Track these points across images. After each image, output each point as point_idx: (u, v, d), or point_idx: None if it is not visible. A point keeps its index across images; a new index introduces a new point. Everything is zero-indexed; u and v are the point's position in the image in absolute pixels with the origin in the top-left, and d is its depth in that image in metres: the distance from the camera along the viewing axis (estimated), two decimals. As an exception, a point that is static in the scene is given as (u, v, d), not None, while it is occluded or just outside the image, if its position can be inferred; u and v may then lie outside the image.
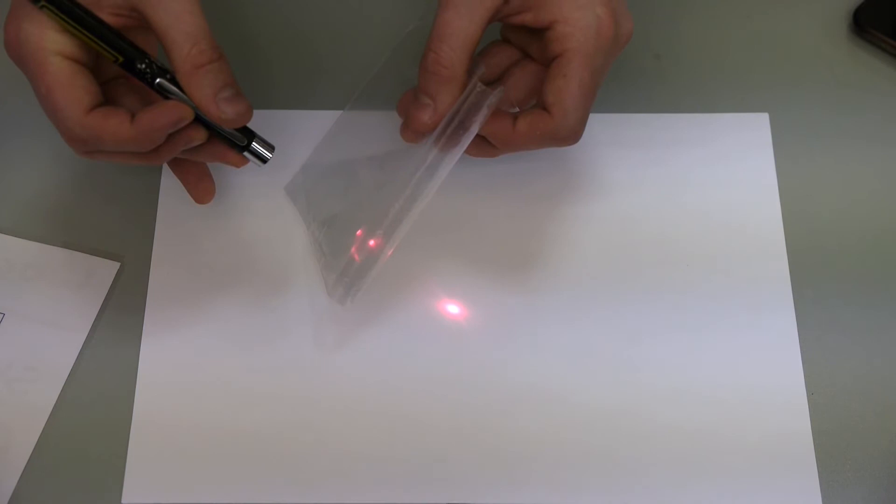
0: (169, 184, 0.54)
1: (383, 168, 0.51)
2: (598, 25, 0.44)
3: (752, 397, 0.49)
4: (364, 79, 0.54)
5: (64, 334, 0.51)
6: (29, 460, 0.48)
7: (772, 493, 0.47)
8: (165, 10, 0.42)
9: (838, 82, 0.57)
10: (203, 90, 0.43)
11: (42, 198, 0.54)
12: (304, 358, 0.50)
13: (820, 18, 0.59)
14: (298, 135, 0.54)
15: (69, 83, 0.42)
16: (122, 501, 0.47)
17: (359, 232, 0.47)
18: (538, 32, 0.46)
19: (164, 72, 0.43)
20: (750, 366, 0.50)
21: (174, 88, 0.43)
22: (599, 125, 0.55)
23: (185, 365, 0.50)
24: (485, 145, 0.47)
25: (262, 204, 0.54)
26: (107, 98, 0.44)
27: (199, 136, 0.44)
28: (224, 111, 0.43)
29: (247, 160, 0.47)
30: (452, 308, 0.52)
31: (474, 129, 0.45)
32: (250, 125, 0.45)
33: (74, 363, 0.50)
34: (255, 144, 0.46)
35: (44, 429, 0.49)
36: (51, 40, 0.42)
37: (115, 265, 0.53)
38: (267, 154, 0.46)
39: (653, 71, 0.58)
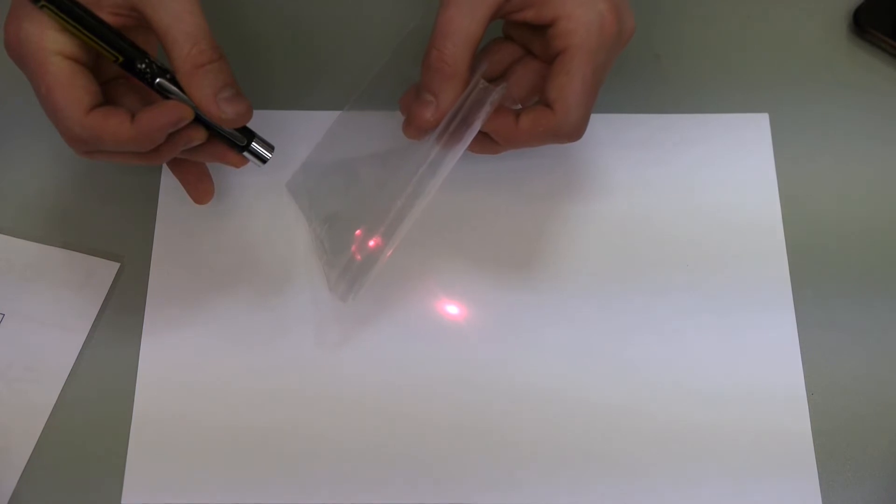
0: (169, 184, 0.54)
1: (385, 166, 0.51)
2: (601, 22, 0.44)
3: (752, 397, 0.49)
4: (364, 79, 0.54)
5: (64, 334, 0.51)
6: (29, 460, 0.48)
7: (772, 492, 0.47)
8: (165, 9, 0.42)
9: (838, 82, 0.57)
10: (203, 90, 0.43)
11: (42, 198, 0.54)
12: (304, 357, 0.50)
13: (820, 18, 0.59)
14: (298, 135, 0.54)
15: (69, 83, 0.42)
16: (122, 501, 0.47)
17: (358, 232, 0.47)
18: (540, 29, 0.46)
19: (164, 72, 0.43)
20: (750, 365, 0.50)
21: (174, 88, 0.43)
22: (600, 125, 0.55)
23: (185, 364, 0.50)
24: (487, 142, 0.47)
25: (262, 204, 0.54)
26: (107, 98, 0.44)
27: (199, 136, 0.44)
28: (224, 111, 0.43)
29: (246, 160, 0.47)
30: (453, 307, 0.52)
31: (477, 126, 0.45)
32: (250, 125, 0.45)
33: (74, 363, 0.50)
34: (254, 144, 0.46)
35: (44, 429, 0.49)
36: (51, 40, 0.42)
37: (115, 265, 0.53)
38: (267, 154, 0.46)
39: (653, 71, 0.58)
